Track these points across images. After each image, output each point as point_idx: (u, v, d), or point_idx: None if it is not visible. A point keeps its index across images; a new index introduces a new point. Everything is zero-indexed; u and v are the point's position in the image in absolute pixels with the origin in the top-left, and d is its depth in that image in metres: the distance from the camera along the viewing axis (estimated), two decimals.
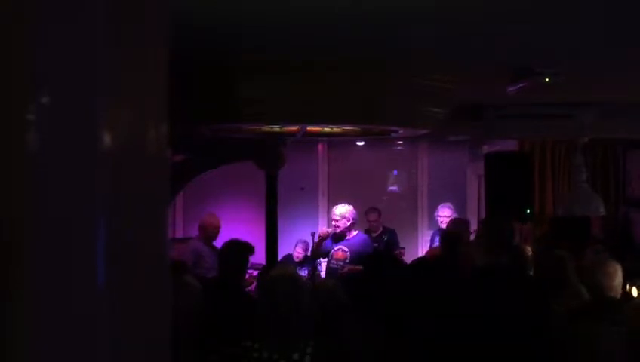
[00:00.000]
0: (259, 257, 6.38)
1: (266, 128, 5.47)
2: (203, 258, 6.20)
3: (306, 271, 6.98)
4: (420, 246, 8.71)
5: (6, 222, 0.75)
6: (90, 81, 0.80)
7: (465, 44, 3.78)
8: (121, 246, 0.83)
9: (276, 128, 5.49)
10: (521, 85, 4.46)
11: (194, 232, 6.91)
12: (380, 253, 6.24)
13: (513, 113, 6.26)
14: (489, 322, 3.30)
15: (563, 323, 3.60)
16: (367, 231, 7.13)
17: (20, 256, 0.75)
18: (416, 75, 4.71)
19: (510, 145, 7.92)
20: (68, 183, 0.78)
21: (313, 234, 7.23)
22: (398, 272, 4.21)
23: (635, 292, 4.81)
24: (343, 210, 6.50)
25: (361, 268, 6.07)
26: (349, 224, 6.49)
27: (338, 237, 6.55)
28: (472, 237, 6.19)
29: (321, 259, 6.89)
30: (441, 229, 7.11)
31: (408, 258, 7.33)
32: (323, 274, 6.76)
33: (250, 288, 5.66)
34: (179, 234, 8.15)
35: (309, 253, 7.41)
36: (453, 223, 6.59)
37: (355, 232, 6.60)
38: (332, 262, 6.50)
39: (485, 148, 7.72)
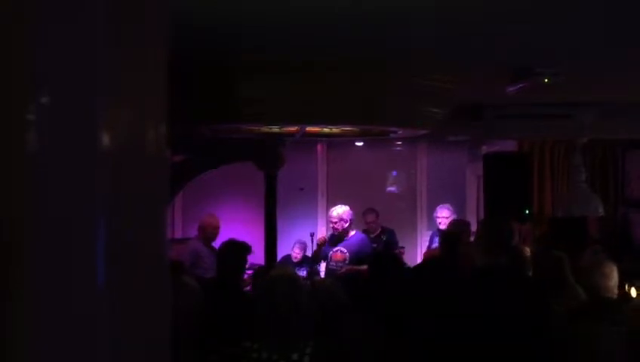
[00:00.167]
0: (258, 257, 6.38)
1: (266, 128, 5.47)
2: (202, 258, 6.20)
3: (305, 272, 6.99)
4: (419, 246, 8.71)
5: (6, 222, 0.75)
6: (90, 81, 0.80)
7: (465, 44, 3.78)
8: (121, 246, 0.83)
9: (275, 128, 5.49)
10: (520, 85, 4.46)
11: (193, 233, 6.91)
12: (383, 253, 6.23)
13: (513, 113, 6.26)
14: (489, 322, 3.30)
15: (563, 323, 3.60)
16: (365, 232, 7.13)
17: (20, 256, 0.75)
18: (416, 75, 4.71)
19: (509, 145, 7.92)
20: (68, 183, 0.78)
21: (312, 235, 7.23)
22: (400, 273, 4.22)
23: (634, 292, 4.81)
24: (340, 211, 6.51)
25: (359, 268, 6.10)
26: (346, 225, 6.51)
27: (338, 238, 6.56)
28: (472, 237, 6.19)
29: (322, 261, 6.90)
30: (439, 230, 7.12)
31: (408, 258, 7.34)
32: (322, 275, 6.76)
33: (247, 288, 5.66)
34: (178, 234, 8.15)
35: (307, 253, 7.42)
36: (452, 224, 6.60)
37: (352, 232, 6.62)
38: (331, 263, 6.51)
39: (484, 149, 7.72)
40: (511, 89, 4.57)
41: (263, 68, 4.35)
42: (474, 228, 6.88)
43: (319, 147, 8.87)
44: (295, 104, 4.63)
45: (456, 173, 8.85)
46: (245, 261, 4.35)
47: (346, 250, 6.44)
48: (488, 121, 6.32)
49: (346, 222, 6.50)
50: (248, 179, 7.45)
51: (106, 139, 0.80)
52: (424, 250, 7.85)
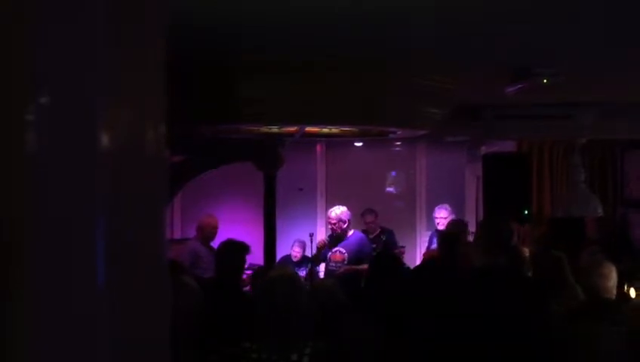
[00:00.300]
0: (257, 258, 6.38)
1: (265, 129, 5.47)
2: (201, 258, 6.20)
3: (304, 272, 6.99)
4: (419, 246, 8.71)
5: (6, 222, 0.75)
6: (90, 81, 0.80)
7: (465, 44, 3.79)
8: (121, 246, 0.82)
9: (275, 129, 5.49)
10: (519, 86, 4.46)
11: (192, 233, 6.91)
12: (383, 254, 6.23)
13: (513, 113, 6.27)
14: (488, 322, 3.30)
15: (563, 323, 3.61)
16: (364, 233, 7.14)
17: (20, 256, 0.75)
18: (416, 75, 4.71)
19: (508, 146, 7.92)
20: (68, 183, 0.78)
21: (311, 235, 7.23)
22: (399, 273, 4.23)
23: (633, 293, 4.81)
24: (338, 212, 6.53)
25: (357, 267, 6.11)
26: (345, 226, 6.52)
27: (337, 239, 6.56)
28: (470, 237, 6.20)
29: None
30: (438, 231, 7.12)
31: (407, 258, 7.34)
32: (322, 275, 6.76)
33: (247, 288, 5.66)
34: (177, 234, 8.14)
35: (306, 253, 7.41)
36: (450, 225, 6.60)
37: (351, 232, 6.62)
38: (330, 264, 6.51)
39: (483, 149, 7.73)
40: (510, 90, 4.58)
41: (263, 68, 4.35)
42: (473, 228, 6.90)
43: (318, 147, 8.87)
44: (295, 104, 4.63)
45: (456, 174, 8.86)
46: (244, 261, 4.34)
47: (344, 251, 6.44)
48: (488, 122, 6.32)
49: (344, 222, 6.51)
50: (247, 179, 7.45)
51: (105, 139, 0.80)
52: (423, 250, 7.85)
